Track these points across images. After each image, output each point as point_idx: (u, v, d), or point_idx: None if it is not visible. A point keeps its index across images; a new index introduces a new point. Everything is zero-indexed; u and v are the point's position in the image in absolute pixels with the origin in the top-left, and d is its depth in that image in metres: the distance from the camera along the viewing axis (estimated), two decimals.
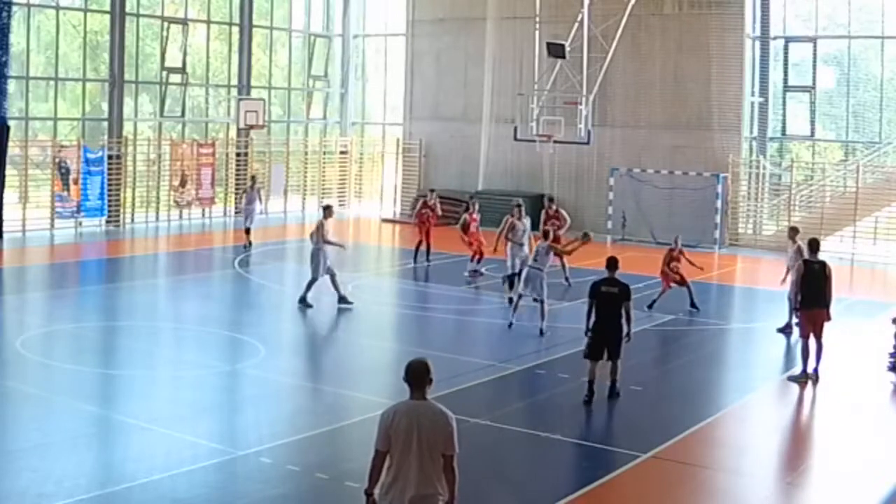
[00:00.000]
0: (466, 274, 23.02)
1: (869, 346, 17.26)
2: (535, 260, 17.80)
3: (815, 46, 31.47)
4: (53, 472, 10.38)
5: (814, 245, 15.29)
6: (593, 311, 13.72)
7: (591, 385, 13.66)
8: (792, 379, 15.06)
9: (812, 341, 14.91)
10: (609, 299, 13.66)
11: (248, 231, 26.72)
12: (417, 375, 7.13)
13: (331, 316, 20.19)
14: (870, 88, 31.14)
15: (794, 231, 18.83)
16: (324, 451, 11.66)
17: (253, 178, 28.89)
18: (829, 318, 14.95)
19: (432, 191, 27.04)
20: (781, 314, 18.32)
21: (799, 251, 17.37)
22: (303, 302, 19.35)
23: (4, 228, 27.07)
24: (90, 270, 24.75)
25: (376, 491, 7.14)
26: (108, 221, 30.01)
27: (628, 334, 13.67)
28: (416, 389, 7.12)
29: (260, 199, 28.22)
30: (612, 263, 14.04)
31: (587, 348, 13.82)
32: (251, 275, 23.44)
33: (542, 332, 17.32)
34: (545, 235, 18.26)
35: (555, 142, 30.03)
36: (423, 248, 24.77)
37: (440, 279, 23.15)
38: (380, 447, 7.08)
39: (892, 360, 15.27)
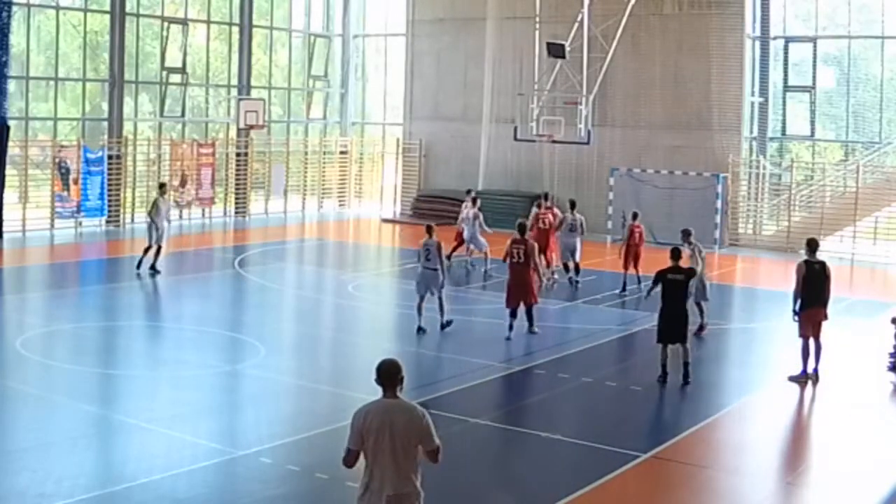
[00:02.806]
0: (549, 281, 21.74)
1: (869, 346, 17.26)
2: (427, 259, 17.10)
3: (815, 46, 31.48)
4: (53, 472, 10.39)
5: (813, 245, 15.31)
6: (661, 297, 14.77)
7: (665, 368, 14.55)
8: (792, 379, 15.06)
9: (811, 341, 14.96)
10: (675, 286, 14.53)
11: (159, 250, 22.22)
12: (388, 375, 7.18)
13: (330, 316, 20.23)
14: (870, 88, 31.14)
15: (686, 234, 18.55)
16: (324, 451, 11.62)
17: (162, 185, 24.12)
18: (826, 318, 15.02)
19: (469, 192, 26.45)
20: (780, 314, 18.27)
21: (695, 251, 18.14)
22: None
23: (4, 228, 27.08)
24: (90, 270, 24.74)
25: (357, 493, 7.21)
26: (108, 221, 30.00)
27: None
28: (388, 388, 7.19)
29: (167, 210, 23.05)
30: (675, 253, 14.89)
31: (658, 334, 14.73)
32: (251, 275, 23.44)
33: (447, 324, 17.09)
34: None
35: (555, 142, 30.06)
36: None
37: None
38: (351, 445, 7.17)
39: (892, 360, 15.29)
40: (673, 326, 14.51)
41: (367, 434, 7.07)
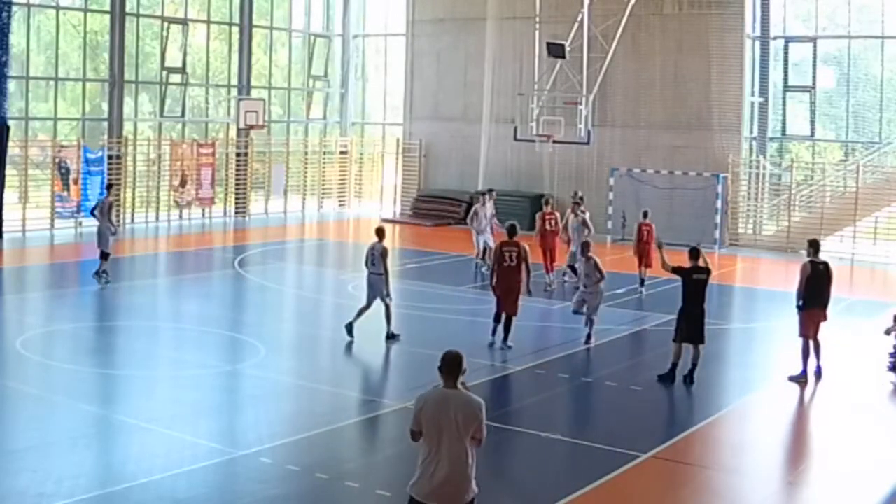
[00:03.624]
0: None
1: (869, 346, 17.25)
2: (372, 265, 16.45)
3: (815, 46, 31.48)
4: (53, 472, 10.39)
5: (816, 246, 15.36)
6: (682, 296, 14.61)
7: (675, 367, 14.48)
8: (792, 379, 15.07)
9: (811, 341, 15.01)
10: (699, 286, 14.51)
11: (108, 255, 20.92)
12: (451, 365, 7.50)
13: (330, 316, 20.22)
14: (870, 88, 31.14)
15: (576, 199, 22.64)
16: (324, 451, 11.66)
17: (110, 185, 23.20)
18: (825, 318, 15.07)
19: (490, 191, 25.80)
20: (780, 314, 18.28)
21: (584, 224, 21.45)
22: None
23: (4, 228, 27.08)
24: (90, 270, 24.69)
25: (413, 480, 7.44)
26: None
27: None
28: (449, 378, 7.48)
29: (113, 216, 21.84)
30: (694, 252, 14.70)
31: (677, 332, 14.61)
32: (251, 275, 23.44)
33: (392, 336, 16.39)
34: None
35: (555, 142, 30.04)
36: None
37: (440, 279, 23.16)
38: (413, 427, 7.49)
39: (892, 360, 15.30)
40: (694, 326, 14.49)
41: (423, 420, 7.37)
